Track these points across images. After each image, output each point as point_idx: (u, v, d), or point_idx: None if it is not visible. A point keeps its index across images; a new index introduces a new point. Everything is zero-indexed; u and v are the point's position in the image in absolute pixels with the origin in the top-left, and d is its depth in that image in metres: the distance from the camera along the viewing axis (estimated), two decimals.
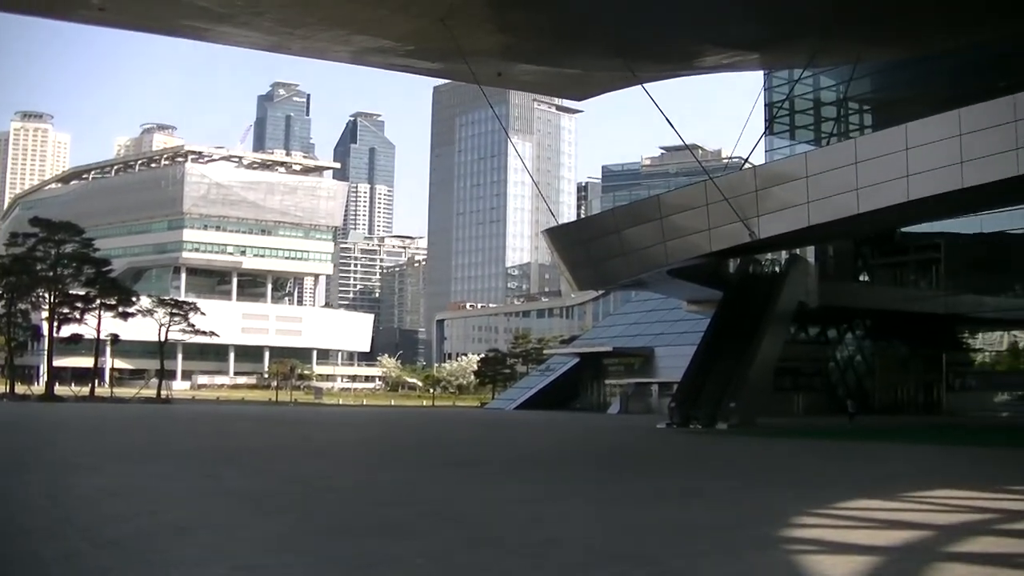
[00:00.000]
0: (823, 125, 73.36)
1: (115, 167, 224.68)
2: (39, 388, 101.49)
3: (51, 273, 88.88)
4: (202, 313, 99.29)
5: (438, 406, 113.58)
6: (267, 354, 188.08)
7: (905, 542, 12.79)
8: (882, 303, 68.99)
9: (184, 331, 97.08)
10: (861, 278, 73.77)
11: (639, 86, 48.91)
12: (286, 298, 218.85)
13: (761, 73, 69.39)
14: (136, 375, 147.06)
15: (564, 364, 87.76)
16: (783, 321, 52.57)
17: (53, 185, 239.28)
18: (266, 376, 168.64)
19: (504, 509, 16.07)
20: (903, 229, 66.70)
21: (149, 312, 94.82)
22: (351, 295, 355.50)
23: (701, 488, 20.22)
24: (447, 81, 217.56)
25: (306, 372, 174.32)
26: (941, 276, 68.34)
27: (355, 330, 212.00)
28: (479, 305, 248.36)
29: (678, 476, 23.61)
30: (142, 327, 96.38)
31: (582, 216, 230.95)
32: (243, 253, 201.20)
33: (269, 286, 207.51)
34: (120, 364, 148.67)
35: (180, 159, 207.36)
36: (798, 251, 56.29)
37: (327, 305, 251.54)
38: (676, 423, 47.78)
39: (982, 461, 28.89)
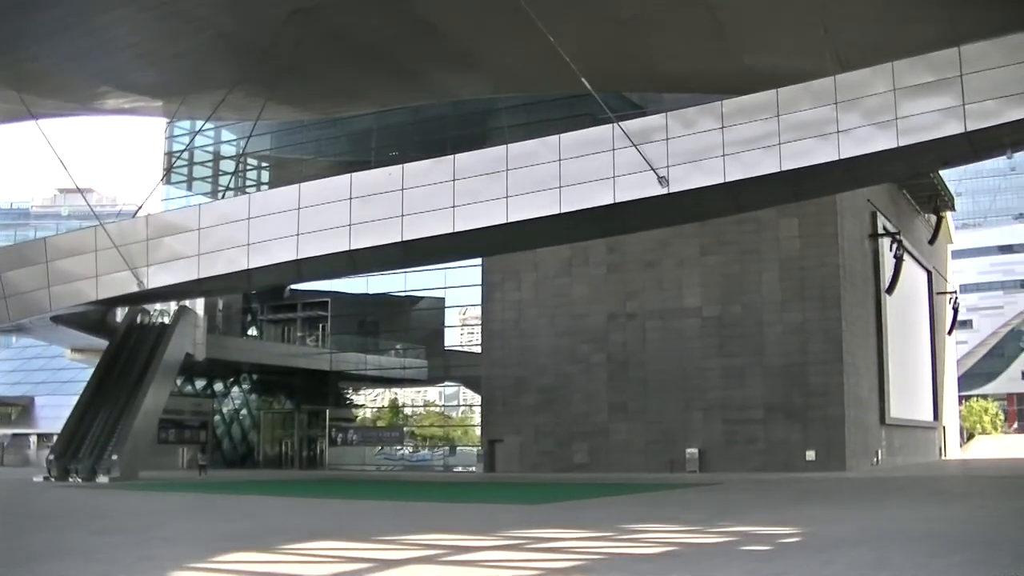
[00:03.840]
0: (221, 178, 73.67)
1: None
2: None
3: None
4: None
5: None
6: None
7: None
8: (270, 358, 69.98)
9: None
10: (250, 332, 74.40)
11: (35, 122, 46.82)
12: None
13: (164, 121, 68.74)
14: None
15: None
16: (169, 373, 51.82)
17: None
18: None
19: None
20: (293, 286, 68.03)
21: None
22: None
23: (74, 545, 19.29)
24: None
25: None
26: (327, 334, 70.29)
27: None
28: None
29: (52, 532, 22.38)
30: None
31: None
32: None
33: None
34: None
35: None
36: (188, 303, 55.83)
37: None
38: (55, 476, 45.69)
39: (357, 513, 29.70)
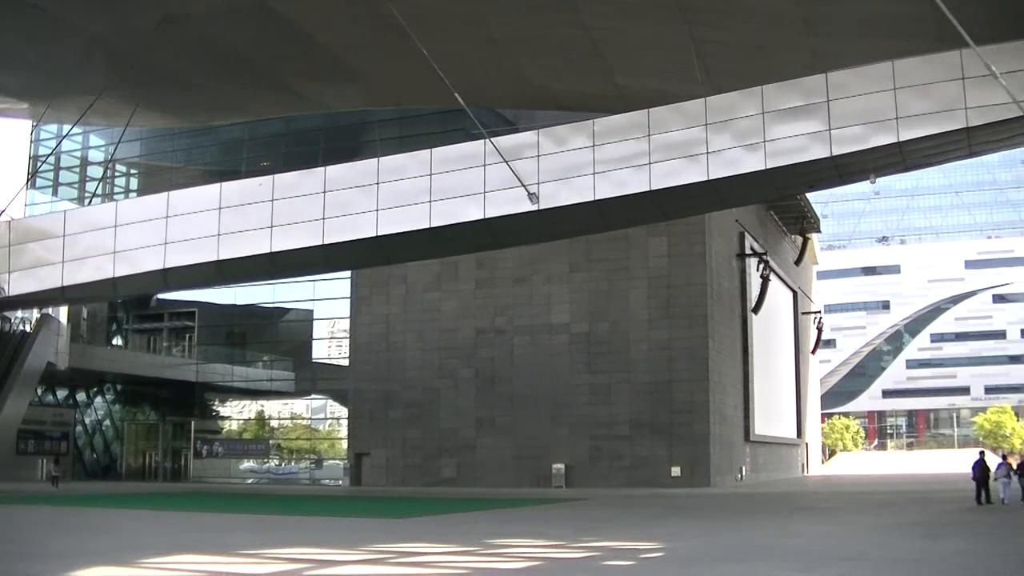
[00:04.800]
0: (88, 184, 72.28)
1: None
2: None
3: None
4: None
5: None
6: None
7: None
8: (135, 368, 68.83)
9: None
10: (115, 342, 73.08)
11: None
12: None
13: (30, 123, 67.36)
14: None
15: None
16: (29, 382, 50.66)
17: None
18: None
19: None
20: (160, 296, 66.97)
21: None
22: None
23: None
24: None
25: None
26: (194, 344, 69.34)
27: None
28: None
29: None
30: None
31: None
32: None
33: None
34: None
35: None
36: (51, 310, 54.59)
37: None
38: None
39: (221, 527, 29.33)
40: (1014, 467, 37.66)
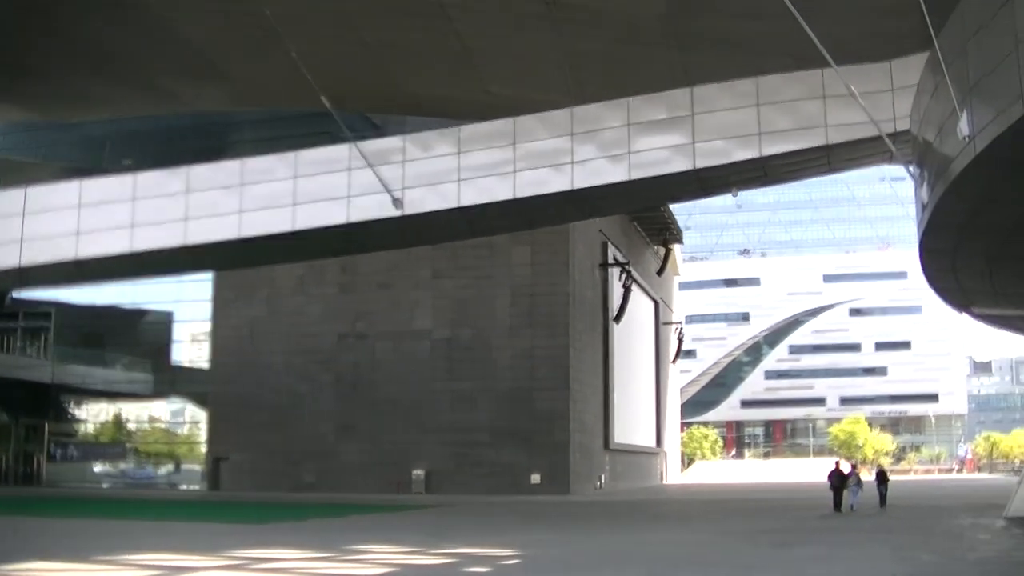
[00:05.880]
0: None
1: None
2: None
3: None
4: None
5: None
6: None
7: None
8: None
9: None
10: None
11: None
12: None
13: None
14: None
15: None
16: None
17: None
18: None
19: None
20: (15, 294, 65.34)
21: None
22: None
23: None
24: None
25: None
26: (50, 345, 67.77)
27: None
28: None
29: None
30: None
31: None
32: None
33: None
34: None
35: None
36: None
37: None
38: None
39: (73, 532, 28.79)
40: (868, 474, 38.74)
